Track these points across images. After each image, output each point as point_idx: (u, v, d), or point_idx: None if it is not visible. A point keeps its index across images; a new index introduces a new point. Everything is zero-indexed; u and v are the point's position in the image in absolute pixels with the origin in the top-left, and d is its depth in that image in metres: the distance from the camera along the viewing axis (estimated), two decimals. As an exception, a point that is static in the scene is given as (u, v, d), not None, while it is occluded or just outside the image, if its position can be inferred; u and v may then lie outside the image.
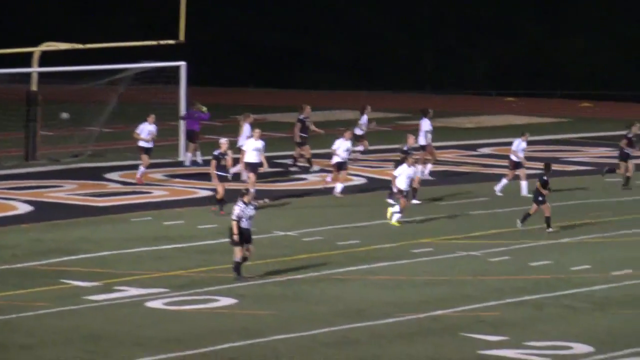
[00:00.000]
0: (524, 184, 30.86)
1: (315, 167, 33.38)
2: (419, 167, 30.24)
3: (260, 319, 19.35)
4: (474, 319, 20.07)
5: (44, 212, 28.73)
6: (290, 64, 56.48)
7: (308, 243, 25.50)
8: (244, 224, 21.80)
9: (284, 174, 33.49)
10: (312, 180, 33.14)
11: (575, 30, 57.17)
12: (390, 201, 26.93)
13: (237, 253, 21.69)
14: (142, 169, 31.29)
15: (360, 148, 34.55)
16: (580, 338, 18.84)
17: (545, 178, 26.56)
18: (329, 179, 31.60)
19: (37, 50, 34.05)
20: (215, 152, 28.12)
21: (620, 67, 55.93)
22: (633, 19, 56.55)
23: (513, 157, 30.68)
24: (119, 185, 31.82)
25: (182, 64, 34.56)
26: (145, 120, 32.45)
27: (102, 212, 29.07)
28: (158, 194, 30.83)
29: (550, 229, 26.56)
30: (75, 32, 43.62)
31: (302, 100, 36.74)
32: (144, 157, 31.39)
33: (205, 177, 30.26)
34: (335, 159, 30.09)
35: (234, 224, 21.70)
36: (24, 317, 19.24)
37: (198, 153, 33.83)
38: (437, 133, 35.48)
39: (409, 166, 27.69)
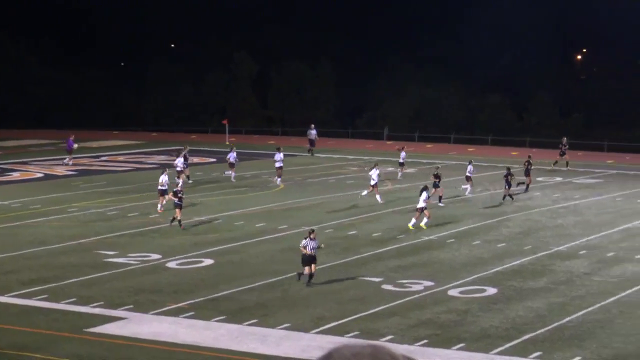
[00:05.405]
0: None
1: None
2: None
3: None
4: (104, 243, 30.74)
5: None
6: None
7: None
8: (310, 251, 26.02)
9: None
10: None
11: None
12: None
13: (306, 270, 26.04)
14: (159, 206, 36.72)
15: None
16: (157, 250, 28.60)
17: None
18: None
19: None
20: (175, 189, 34.02)
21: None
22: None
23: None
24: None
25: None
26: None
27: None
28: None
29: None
30: None
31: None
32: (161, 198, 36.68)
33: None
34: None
35: (302, 249, 26.08)
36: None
37: (70, 161, 50.81)
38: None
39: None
